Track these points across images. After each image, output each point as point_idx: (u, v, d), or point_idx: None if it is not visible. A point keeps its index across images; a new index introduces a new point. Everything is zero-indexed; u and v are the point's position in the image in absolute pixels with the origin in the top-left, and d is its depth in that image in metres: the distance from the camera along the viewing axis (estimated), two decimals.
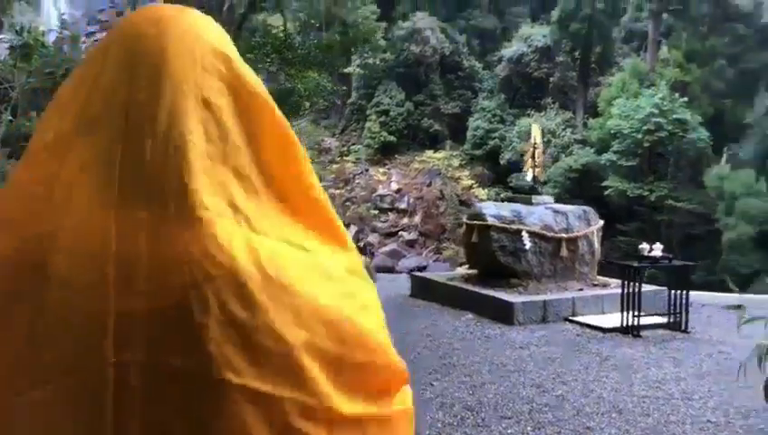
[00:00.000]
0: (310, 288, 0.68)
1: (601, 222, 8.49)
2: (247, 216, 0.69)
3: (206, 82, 0.70)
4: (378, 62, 22.39)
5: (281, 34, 9.82)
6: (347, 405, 0.68)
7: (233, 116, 0.71)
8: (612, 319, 7.04)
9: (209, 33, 0.74)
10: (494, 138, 23.08)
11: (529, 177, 8.65)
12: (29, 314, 0.63)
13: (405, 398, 0.77)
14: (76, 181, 0.66)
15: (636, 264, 6.72)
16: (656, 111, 18.34)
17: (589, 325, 7.02)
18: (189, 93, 0.69)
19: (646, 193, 19.16)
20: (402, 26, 24.51)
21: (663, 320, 6.87)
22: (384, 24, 20.31)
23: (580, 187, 19.75)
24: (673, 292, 6.96)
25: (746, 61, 21.67)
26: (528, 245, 7.73)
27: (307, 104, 10.54)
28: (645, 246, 6.82)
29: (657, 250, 6.79)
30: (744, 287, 15.72)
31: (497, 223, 7.83)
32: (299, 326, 0.66)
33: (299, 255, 0.71)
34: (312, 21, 11.57)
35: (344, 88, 23.60)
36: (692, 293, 7.24)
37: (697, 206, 19.12)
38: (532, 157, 8.62)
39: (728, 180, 18.73)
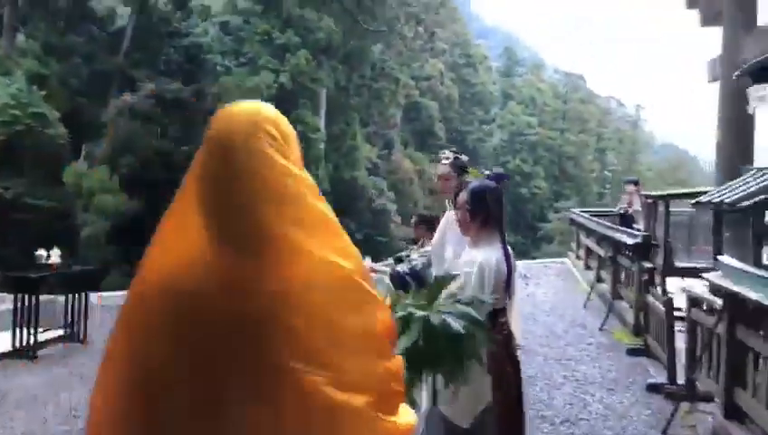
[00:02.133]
0: None
1: None
2: None
3: None
4: None
5: None
6: None
7: None
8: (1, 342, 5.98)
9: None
10: None
11: None
12: None
13: None
14: None
15: (34, 275, 5.86)
16: (13, 103, 16.75)
17: None
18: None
19: (1, 191, 17.27)
20: None
21: (60, 333, 6.28)
22: None
23: None
24: (69, 301, 6.45)
25: (100, 62, 22.34)
26: None
27: None
28: (42, 253, 6.05)
29: (56, 256, 6.13)
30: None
31: None
32: None
33: None
34: None
35: None
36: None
37: (57, 204, 18.55)
38: None
39: (86, 177, 19.08)
